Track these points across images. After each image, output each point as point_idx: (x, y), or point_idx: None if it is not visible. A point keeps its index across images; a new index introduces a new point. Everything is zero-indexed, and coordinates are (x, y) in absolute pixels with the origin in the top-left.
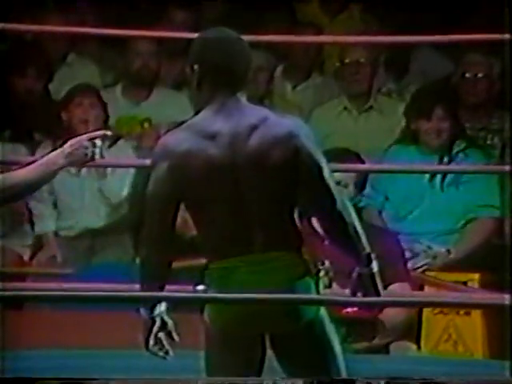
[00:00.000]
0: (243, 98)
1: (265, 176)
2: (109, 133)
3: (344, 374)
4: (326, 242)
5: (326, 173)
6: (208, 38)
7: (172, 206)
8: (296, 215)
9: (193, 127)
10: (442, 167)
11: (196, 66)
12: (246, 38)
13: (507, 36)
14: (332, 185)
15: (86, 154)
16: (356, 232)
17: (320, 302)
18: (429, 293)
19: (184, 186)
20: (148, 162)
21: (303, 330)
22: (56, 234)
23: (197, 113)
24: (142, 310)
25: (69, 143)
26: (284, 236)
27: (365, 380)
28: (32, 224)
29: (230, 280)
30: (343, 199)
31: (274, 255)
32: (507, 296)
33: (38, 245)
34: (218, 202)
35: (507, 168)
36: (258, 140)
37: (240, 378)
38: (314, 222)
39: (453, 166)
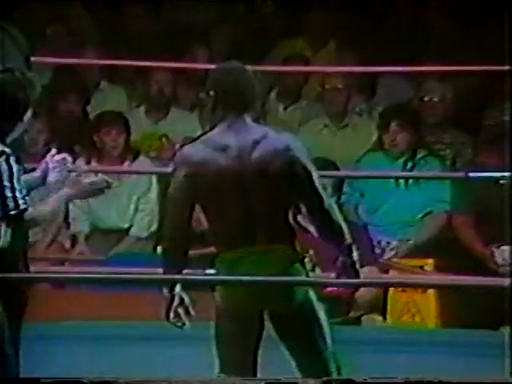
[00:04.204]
0: (249, 118)
1: (266, 182)
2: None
3: (330, 343)
4: (309, 236)
5: (316, 179)
6: (221, 69)
7: (188, 206)
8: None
9: (207, 141)
10: (405, 173)
11: (212, 92)
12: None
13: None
14: (320, 189)
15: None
16: (340, 227)
17: (309, 283)
18: (393, 275)
19: (199, 190)
20: (165, 169)
21: (296, 308)
22: (91, 230)
23: (211, 129)
24: (164, 290)
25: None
26: (281, 231)
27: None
28: (68, 224)
29: (237, 267)
30: (329, 200)
31: (273, 247)
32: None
33: (74, 239)
34: (227, 202)
35: (462, 174)
36: (261, 152)
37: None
38: (300, 219)
39: (415, 172)
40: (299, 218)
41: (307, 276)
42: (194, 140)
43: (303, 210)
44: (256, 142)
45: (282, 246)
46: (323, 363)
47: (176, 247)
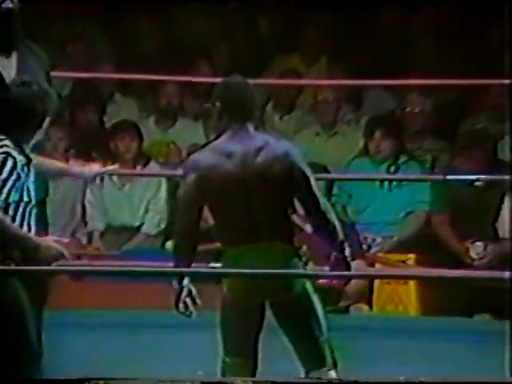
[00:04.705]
0: (251, 127)
1: (268, 185)
2: None
3: (325, 330)
4: (303, 233)
5: (313, 182)
6: (226, 82)
7: (197, 206)
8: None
9: (214, 148)
10: (389, 176)
11: (217, 103)
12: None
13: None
14: (317, 191)
15: None
16: (334, 226)
17: (305, 276)
18: (379, 268)
19: (207, 192)
20: (174, 172)
21: (295, 299)
22: (105, 228)
23: (216, 137)
24: (174, 282)
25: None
26: (280, 229)
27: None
28: (85, 223)
29: (241, 262)
30: (325, 201)
31: (274, 244)
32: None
33: (91, 236)
34: (232, 203)
35: (440, 177)
36: (263, 158)
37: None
38: (295, 218)
39: (398, 176)
40: (294, 217)
41: (304, 269)
42: (202, 147)
43: (300, 210)
44: (259, 149)
45: (282, 243)
46: (319, 348)
47: (186, 243)
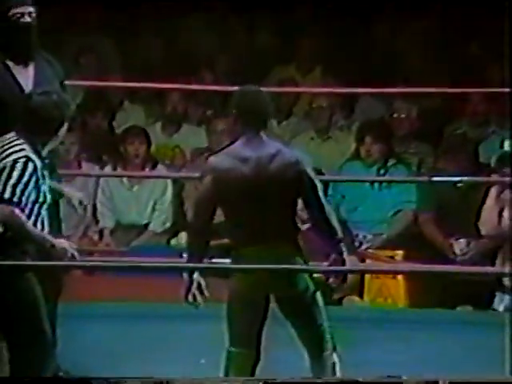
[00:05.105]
0: (264, 134)
1: (279, 189)
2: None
3: (325, 320)
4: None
5: (319, 188)
6: (241, 92)
7: (212, 206)
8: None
9: (230, 152)
10: (378, 178)
11: (234, 111)
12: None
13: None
14: (323, 197)
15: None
16: (335, 228)
17: (308, 271)
18: (370, 264)
19: (222, 193)
20: (176, 175)
21: (299, 293)
22: (115, 226)
23: (231, 142)
24: (184, 275)
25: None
26: (288, 230)
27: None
28: (97, 221)
29: (251, 260)
30: (328, 207)
31: (281, 243)
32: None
33: (101, 233)
34: (244, 205)
35: (426, 178)
36: (276, 165)
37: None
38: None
39: (387, 177)
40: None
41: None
42: (219, 151)
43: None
44: (272, 156)
45: (288, 243)
46: (321, 336)
47: (200, 240)
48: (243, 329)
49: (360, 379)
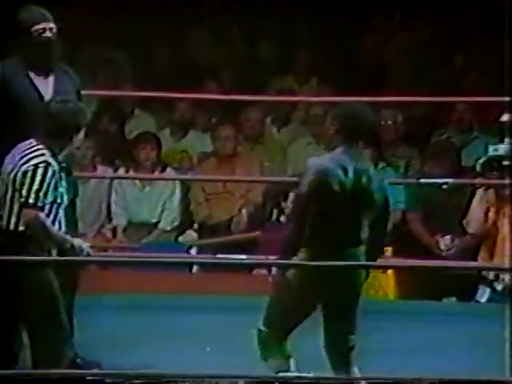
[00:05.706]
0: (361, 148)
1: (364, 203)
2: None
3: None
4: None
5: (389, 220)
6: (343, 107)
7: (312, 205)
8: None
9: (331, 158)
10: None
11: (334, 123)
12: (248, 97)
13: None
14: (388, 226)
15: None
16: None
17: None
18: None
19: (322, 195)
20: (183, 177)
21: (350, 300)
22: (127, 224)
23: (330, 150)
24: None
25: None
26: (359, 240)
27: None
28: (110, 219)
29: (329, 267)
30: (384, 236)
31: (355, 251)
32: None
33: (115, 231)
34: (334, 212)
35: (413, 180)
36: (366, 180)
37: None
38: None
39: None
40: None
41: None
42: (320, 157)
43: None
44: (365, 171)
45: (359, 250)
46: (347, 355)
47: (296, 236)
48: (286, 318)
49: (359, 378)
